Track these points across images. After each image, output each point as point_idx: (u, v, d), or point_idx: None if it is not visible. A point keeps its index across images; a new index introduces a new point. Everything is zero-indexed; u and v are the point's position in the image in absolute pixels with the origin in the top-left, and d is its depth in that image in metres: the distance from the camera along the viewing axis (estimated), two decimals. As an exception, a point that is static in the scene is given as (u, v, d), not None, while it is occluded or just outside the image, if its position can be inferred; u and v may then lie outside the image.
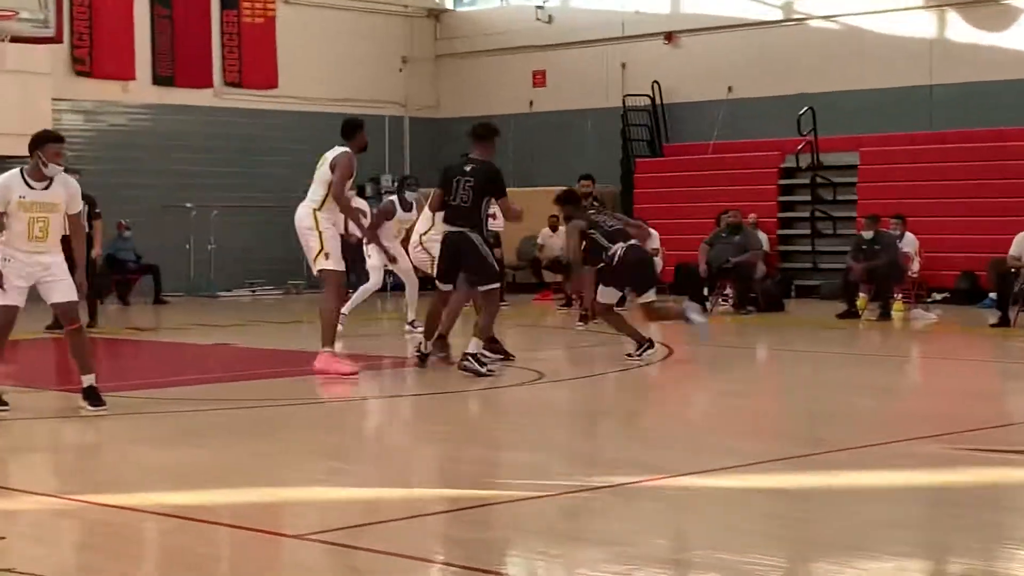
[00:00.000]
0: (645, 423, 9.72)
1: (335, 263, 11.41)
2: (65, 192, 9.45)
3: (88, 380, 9.51)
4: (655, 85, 24.47)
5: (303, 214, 11.48)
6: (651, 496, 6.82)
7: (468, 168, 11.63)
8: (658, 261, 21.29)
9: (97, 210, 16.68)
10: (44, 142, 9.38)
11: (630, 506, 6.66)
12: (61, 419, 9.76)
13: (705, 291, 19.37)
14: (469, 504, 6.59)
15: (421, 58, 26.91)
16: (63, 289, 9.41)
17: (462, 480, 7.32)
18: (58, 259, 9.43)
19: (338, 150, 11.53)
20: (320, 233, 11.36)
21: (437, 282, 12.04)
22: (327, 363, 11.39)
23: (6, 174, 9.39)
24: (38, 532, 6.19)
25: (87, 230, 16.41)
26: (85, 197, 16.57)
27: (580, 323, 16.31)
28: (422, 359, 11.98)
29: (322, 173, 11.47)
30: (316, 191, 11.47)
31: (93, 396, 9.48)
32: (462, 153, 12.28)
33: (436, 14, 27.19)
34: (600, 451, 8.27)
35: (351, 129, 11.67)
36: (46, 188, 9.33)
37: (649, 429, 9.35)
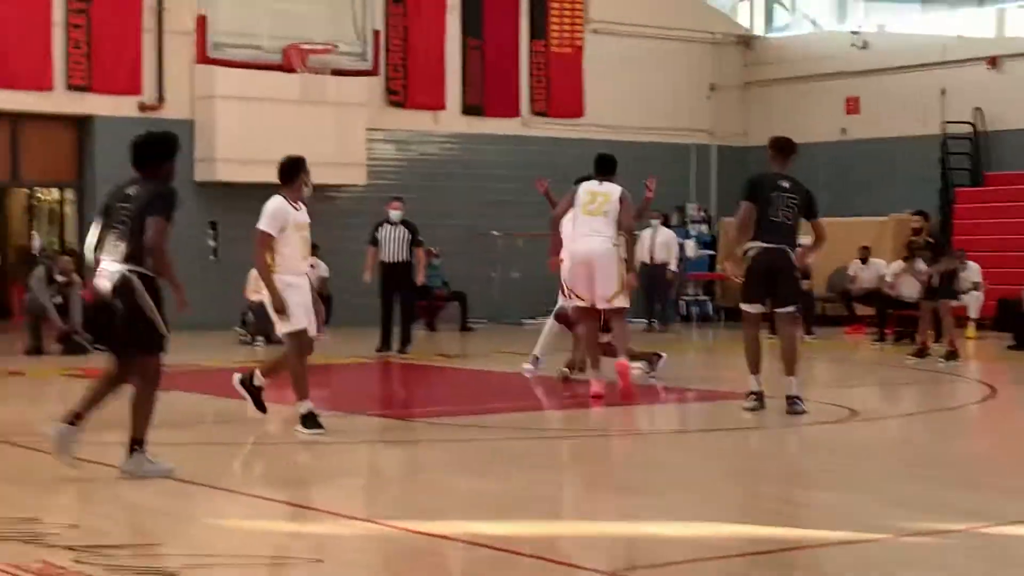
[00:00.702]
0: (968, 465, 9.18)
1: (628, 301, 12.06)
2: (307, 211, 9.93)
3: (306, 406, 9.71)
4: (977, 112, 23.50)
5: (606, 250, 11.78)
6: (974, 544, 6.43)
7: (786, 184, 10.95)
8: (978, 295, 20.38)
9: (420, 238, 17.06)
10: (303, 167, 9.87)
11: (950, 555, 6.28)
12: (374, 443, 9.98)
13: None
14: (773, 547, 6.33)
15: (729, 85, 26.59)
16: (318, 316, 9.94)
17: (766, 519, 7.06)
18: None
19: (609, 185, 12.07)
20: (620, 269, 11.80)
21: (743, 305, 11.09)
22: (628, 370, 11.88)
23: (275, 200, 9.75)
24: (352, 557, 6.27)
25: (406, 258, 16.83)
26: (408, 225, 17.13)
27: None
28: (758, 397, 10.99)
29: (610, 207, 11.85)
30: (611, 227, 11.83)
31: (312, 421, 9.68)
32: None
33: (746, 40, 26.84)
34: (917, 494, 7.83)
35: (614, 165, 12.38)
36: (301, 209, 9.84)
37: (972, 472, 8.83)
